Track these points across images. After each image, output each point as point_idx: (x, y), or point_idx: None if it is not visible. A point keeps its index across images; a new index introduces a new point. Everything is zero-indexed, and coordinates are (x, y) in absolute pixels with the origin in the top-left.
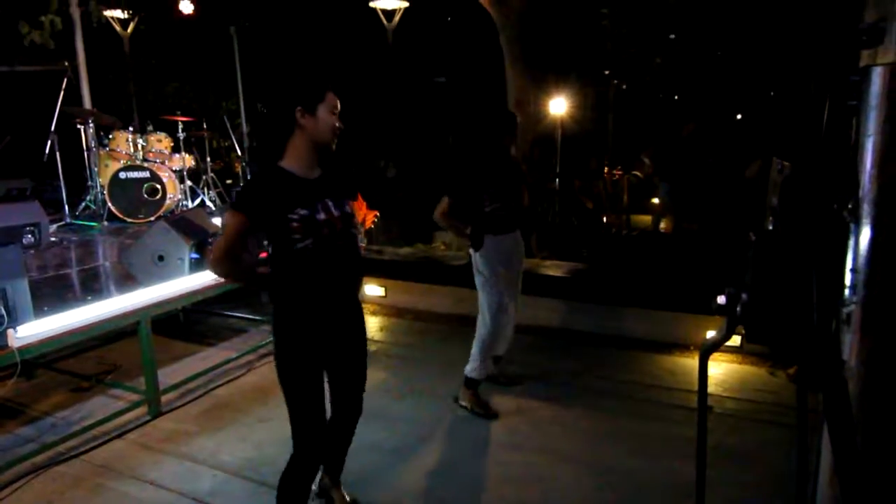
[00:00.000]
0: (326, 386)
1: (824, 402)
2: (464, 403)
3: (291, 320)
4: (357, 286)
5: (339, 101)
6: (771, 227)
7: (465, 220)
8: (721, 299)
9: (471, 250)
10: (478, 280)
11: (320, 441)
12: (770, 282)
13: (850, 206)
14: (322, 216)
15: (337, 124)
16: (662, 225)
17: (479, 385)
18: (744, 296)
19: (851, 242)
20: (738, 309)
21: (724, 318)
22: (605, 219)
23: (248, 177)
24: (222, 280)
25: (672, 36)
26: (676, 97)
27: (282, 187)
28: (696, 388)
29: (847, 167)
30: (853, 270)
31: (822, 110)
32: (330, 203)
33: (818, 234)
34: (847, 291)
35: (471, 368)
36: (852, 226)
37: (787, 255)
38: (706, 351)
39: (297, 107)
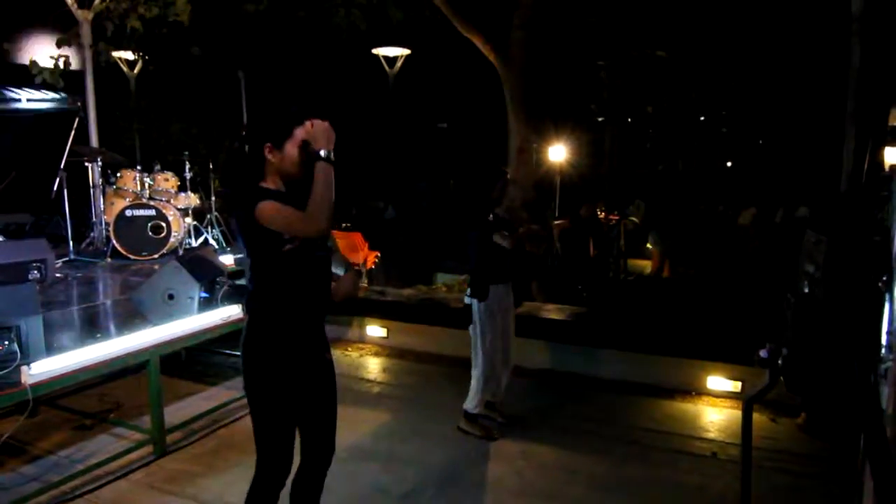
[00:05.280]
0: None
1: (866, 446)
2: (465, 429)
3: (273, 334)
4: (324, 313)
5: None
6: (807, 291)
7: (472, 267)
8: (763, 353)
9: (469, 300)
10: (474, 326)
11: (285, 467)
12: (810, 339)
13: (884, 279)
14: None
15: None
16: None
17: (477, 418)
18: (784, 350)
19: (887, 308)
20: (779, 362)
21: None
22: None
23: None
24: (230, 319)
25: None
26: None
27: (266, 195)
28: (700, 434)
29: (883, 248)
30: (889, 332)
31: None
32: None
33: (860, 301)
34: (884, 350)
35: (471, 405)
36: (887, 295)
37: (827, 316)
38: (750, 400)
39: (266, 143)
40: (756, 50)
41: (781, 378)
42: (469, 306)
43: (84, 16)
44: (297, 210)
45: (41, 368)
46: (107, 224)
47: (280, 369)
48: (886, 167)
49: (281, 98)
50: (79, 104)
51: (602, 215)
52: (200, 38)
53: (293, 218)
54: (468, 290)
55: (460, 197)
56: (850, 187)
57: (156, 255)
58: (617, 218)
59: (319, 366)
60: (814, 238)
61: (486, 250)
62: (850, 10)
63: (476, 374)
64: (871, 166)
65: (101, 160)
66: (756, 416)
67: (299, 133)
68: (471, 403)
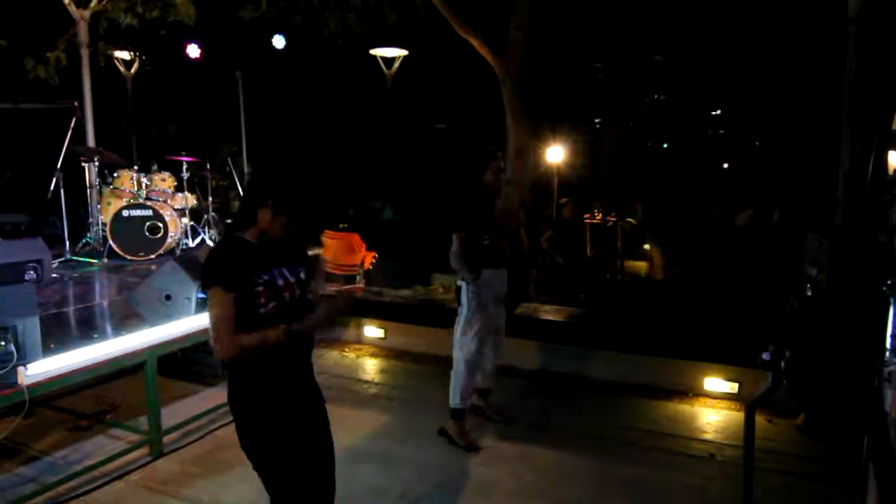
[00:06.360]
0: None
1: (869, 447)
2: (449, 433)
3: (255, 390)
4: (310, 353)
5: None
6: (810, 294)
7: (465, 255)
8: (766, 356)
9: (460, 282)
10: (461, 313)
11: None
12: (813, 342)
13: (889, 282)
14: (280, 281)
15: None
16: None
17: (464, 415)
18: (787, 353)
19: (891, 312)
20: (782, 364)
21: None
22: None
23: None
24: None
25: (661, 96)
26: (666, 145)
27: (243, 254)
28: (697, 435)
29: (888, 251)
30: (893, 336)
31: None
32: (285, 270)
33: (865, 305)
34: (888, 353)
35: (455, 399)
36: (892, 299)
37: (831, 319)
38: (753, 403)
39: (268, 199)
40: (753, 52)
41: (784, 381)
42: (459, 288)
43: (81, 15)
44: (230, 322)
45: (38, 369)
46: (103, 224)
47: (271, 424)
48: (891, 170)
49: (299, 165)
50: (76, 104)
51: (599, 216)
52: (198, 39)
53: (219, 326)
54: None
55: (449, 193)
56: (847, 190)
57: (153, 256)
58: (614, 219)
59: (310, 407)
60: (816, 241)
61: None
62: (847, 12)
63: (457, 359)
64: (876, 169)
65: (97, 160)
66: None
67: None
68: (455, 397)
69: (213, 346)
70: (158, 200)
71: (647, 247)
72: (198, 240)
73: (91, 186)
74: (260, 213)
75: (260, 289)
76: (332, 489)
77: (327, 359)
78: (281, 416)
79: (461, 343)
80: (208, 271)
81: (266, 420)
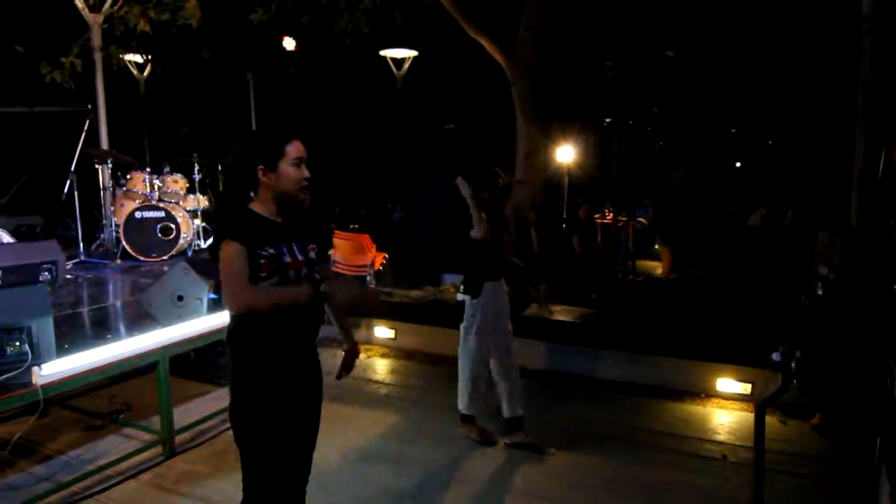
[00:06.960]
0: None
1: (881, 446)
2: (463, 431)
3: (254, 368)
4: (315, 335)
5: (304, 149)
6: (821, 293)
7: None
8: (776, 356)
9: (463, 296)
10: (465, 324)
11: (274, 494)
12: (824, 342)
13: None
14: (287, 258)
15: (304, 175)
16: (660, 270)
17: (473, 419)
18: (797, 353)
19: None
20: (792, 365)
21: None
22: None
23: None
24: None
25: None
26: (679, 145)
27: (251, 225)
28: (709, 436)
29: None
30: None
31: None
32: (295, 247)
33: (876, 304)
34: None
35: (462, 406)
36: None
37: (842, 318)
38: (763, 404)
39: (258, 166)
40: (766, 49)
41: (794, 381)
42: (461, 303)
43: (94, 19)
44: (243, 274)
45: (52, 369)
46: (117, 226)
47: (267, 401)
48: None
49: (270, 117)
50: (89, 107)
51: (609, 216)
52: (209, 41)
53: (233, 279)
54: (461, 287)
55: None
56: (862, 187)
57: (165, 257)
58: (625, 219)
59: (307, 390)
60: (828, 239)
61: (474, 249)
62: (861, 8)
63: (462, 373)
64: (887, 167)
65: (111, 162)
66: (766, 418)
67: (291, 150)
68: (462, 404)
69: (226, 303)
70: (171, 202)
71: (657, 247)
72: (210, 241)
73: (104, 188)
74: (262, 186)
75: (262, 261)
76: (304, 476)
77: (338, 358)
78: (275, 395)
79: (462, 352)
80: (221, 227)
81: (260, 395)
